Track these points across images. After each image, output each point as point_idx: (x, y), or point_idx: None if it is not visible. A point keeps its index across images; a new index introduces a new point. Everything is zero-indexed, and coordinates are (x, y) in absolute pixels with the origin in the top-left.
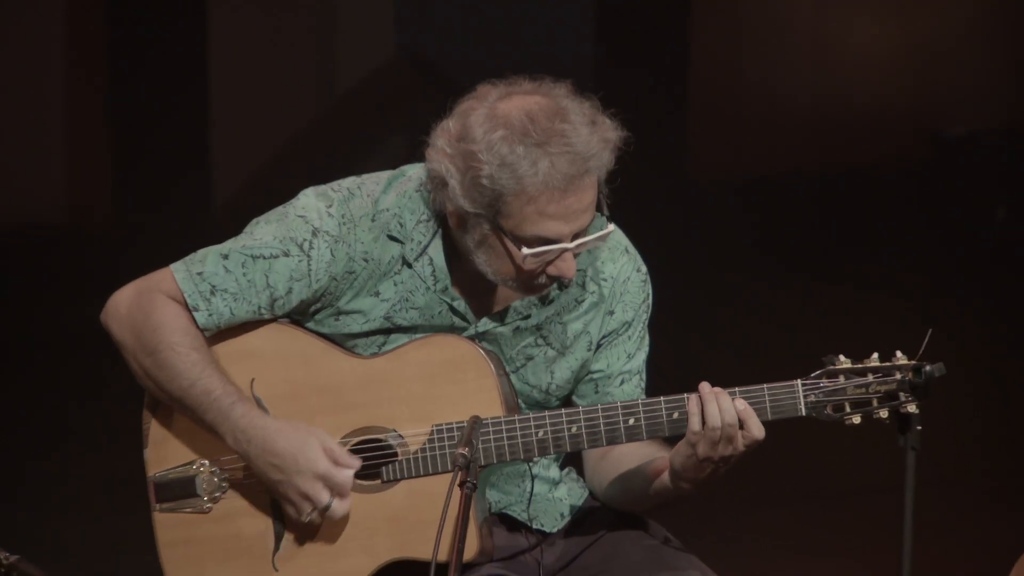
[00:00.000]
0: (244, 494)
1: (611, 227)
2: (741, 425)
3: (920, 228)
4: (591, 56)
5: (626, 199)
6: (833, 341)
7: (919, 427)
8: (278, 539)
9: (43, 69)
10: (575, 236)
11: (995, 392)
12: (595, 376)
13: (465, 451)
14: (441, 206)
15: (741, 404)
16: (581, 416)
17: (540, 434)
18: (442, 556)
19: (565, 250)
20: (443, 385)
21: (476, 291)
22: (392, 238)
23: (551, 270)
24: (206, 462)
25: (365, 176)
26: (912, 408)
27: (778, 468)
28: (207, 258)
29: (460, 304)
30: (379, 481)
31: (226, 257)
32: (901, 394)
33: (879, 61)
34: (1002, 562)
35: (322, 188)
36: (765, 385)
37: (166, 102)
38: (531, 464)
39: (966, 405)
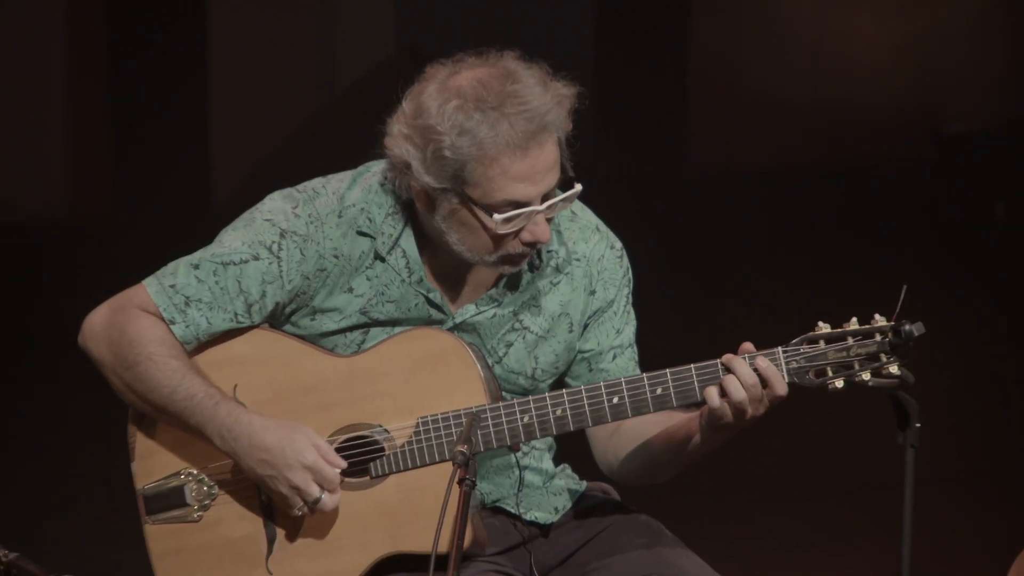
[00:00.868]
0: (234, 500)
1: (578, 187)
2: (765, 384)
3: (920, 225)
4: (591, 55)
5: (626, 196)
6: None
7: (918, 424)
8: (270, 542)
9: (43, 68)
10: (544, 199)
11: (995, 390)
12: (587, 355)
13: (464, 448)
14: (407, 191)
15: (763, 363)
16: (565, 398)
17: (525, 419)
18: (439, 551)
19: (536, 212)
20: (426, 377)
21: (450, 282)
22: (362, 233)
23: (525, 236)
24: (193, 471)
25: (330, 176)
26: (894, 369)
27: (778, 467)
28: (178, 270)
29: (436, 295)
30: (368, 477)
31: (196, 267)
32: (882, 355)
33: (879, 58)
34: (1001, 560)
35: (287, 191)
36: (746, 355)
37: (166, 101)
38: (519, 456)
39: (966, 402)
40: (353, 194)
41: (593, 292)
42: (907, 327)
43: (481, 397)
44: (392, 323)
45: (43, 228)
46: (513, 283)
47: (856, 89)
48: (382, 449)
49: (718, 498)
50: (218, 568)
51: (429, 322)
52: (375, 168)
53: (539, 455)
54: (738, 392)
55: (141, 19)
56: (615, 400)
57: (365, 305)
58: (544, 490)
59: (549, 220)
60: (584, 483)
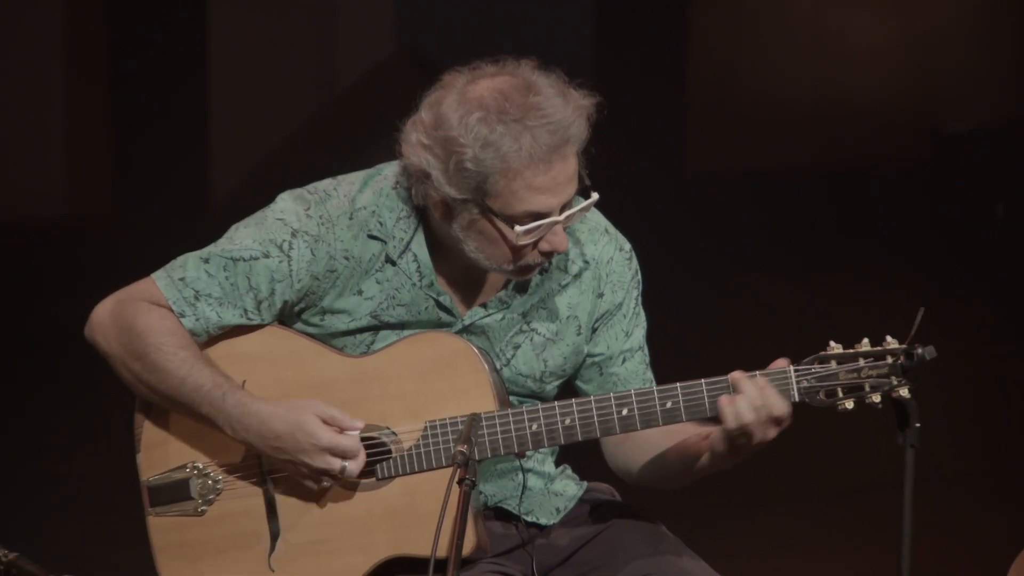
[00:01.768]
0: (238, 496)
1: (595, 196)
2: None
3: (920, 225)
4: (591, 54)
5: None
6: (833, 337)
7: (918, 424)
8: (273, 539)
9: (43, 68)
10: (563, 208)
11: (995, 389)
12: (597, 359)
13: (464, 448)
14: (423, 199)
15: (760, 387)
16: (575, 408)
17: (534, 427)
18: (440, 552)
19: (556, 223)
20: (435, 381)
21: (460, 285)
22: (372, 237)
23: (543, 246)
24: (199, 465)
25: (341, 177)
26: (904, 392)
27: (778, 467)
28: (187, 263)
29: (446, 299)
30: (374, 479)
31: (206, 261)
32: (893, 378)
33: (879, 58)
34: (1002, 560)
35: (298, 191)
36: (758, 372)
37: (166, 101)
38: (522, 460)
39: (966, 402)
40: (364, 197)
41: (601, 295)
42: (919, 351)
43: (490, 403)
44: (402, 326)
45: (43, 228)
46: (522, 286)
47: (856, 89)
48: (389, 451)
49: (718, 498)
50: (220, 563)
51: (439, 324)
52: (387, 171)
53: (541, 457)
54: (746, 414)
55: (141, 19)
56: (624, 412)
57: (376, 308)
58: (545, 491)
59: (564, 228)
60: (585, 484)
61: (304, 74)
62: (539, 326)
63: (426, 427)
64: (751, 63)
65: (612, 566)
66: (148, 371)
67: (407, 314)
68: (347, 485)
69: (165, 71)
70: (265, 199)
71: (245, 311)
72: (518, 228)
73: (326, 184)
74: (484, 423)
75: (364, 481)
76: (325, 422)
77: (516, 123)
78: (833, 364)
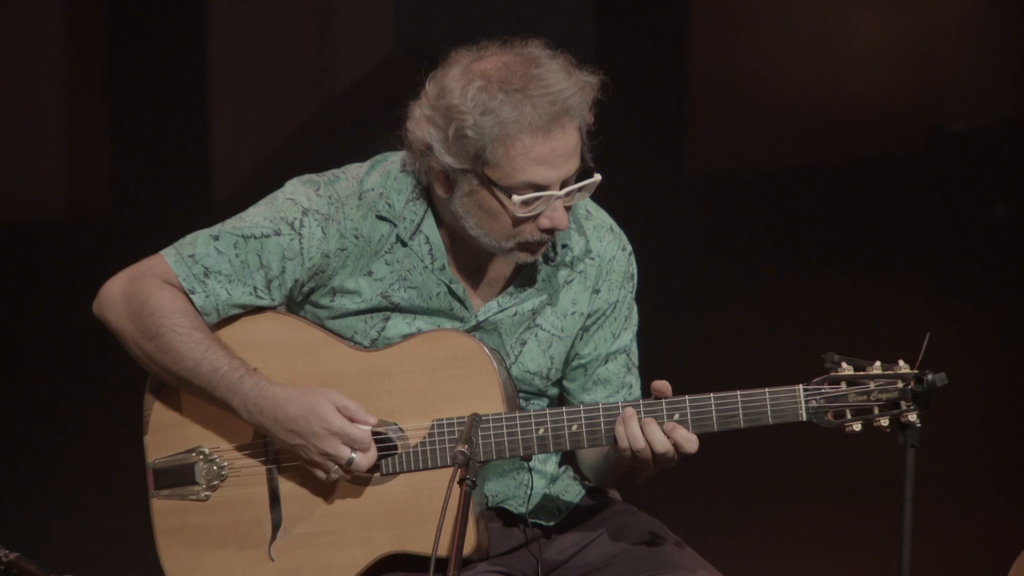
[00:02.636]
0: (242, 484)
1: (597, 176)
2: (676, 447)
3: (920, 224)
4: (590, 53)
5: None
6: (833, 336)
7: (919, 425)
8: (275, 528)
9: (43, 68)
10: (563, 185)
11: (995, 389)
12: (583, 360)
13: (464, 448)
14: (426, 175)
15: (666, 432)
16: (582, 414)
17: (540, 431)
18: (440, 551)
19: (554, 197)
20: (445, 380)
21: (470, 276)
22: (381, 218)
23: (543, 222)
24: (205, 450)
25: (346, 165)
26: (913, 418)
27: (778, 467)
28: (197, 240)
29: (459, 288)
30: (378, 474)
31: (216, 239)
32: (902, 403)
33: (879, 56)
34: (1002, 560)
35: (306, 176)
36: (767, 389)
37: (165, 100)
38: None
39: (966, 402)
40: (372, 179)
41: (597, 291)
42: (930, 377)
43: (498, 404)
44: (413, 310)
45: (43, 228)
46: (530, 278)
47: (856, 89)
48: (395, 447)
49: (719, 498)
50: (220, 549)
51: (450, 314)
52: (392, 157)
53: (543, 457)
54: (636, 440)
55: (141, 19)
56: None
57: (387, 289)
58: (548, 492)
59: (568, 209)
60: (587, 484)
61: (304, 73)
62: (544, 322)
63: (433, 425)
64: (751, 63)
65: (614, 567)
66: (161, 351)
67: (418, 297)
68: (351, 479)
69: (165, 71)
70: (264, 195)
71: (255, 289)
72: (516, 198)
73: (333, 170)
74: (491, 425)
75: (368, 476)
76: (339, 410)
77: (517, 92)
78: (843, 386)
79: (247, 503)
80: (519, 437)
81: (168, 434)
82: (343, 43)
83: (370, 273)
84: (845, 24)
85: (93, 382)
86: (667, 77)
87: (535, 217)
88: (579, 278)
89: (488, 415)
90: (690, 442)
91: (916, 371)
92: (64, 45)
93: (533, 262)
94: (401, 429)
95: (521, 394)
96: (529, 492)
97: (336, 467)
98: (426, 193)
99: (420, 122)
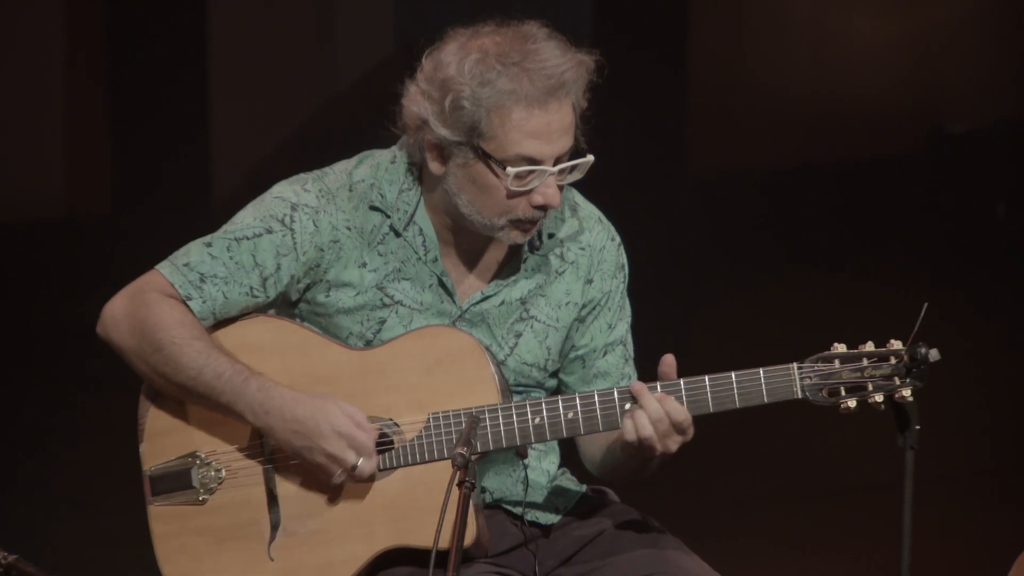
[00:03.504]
0: (239, 485)
1: (590, 157)
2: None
3: (921, 224)
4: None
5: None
6: (833, 336)
7: (918, 427)
8: (274, 528)
9: (43, 68)
10: (556, 162)
11: (995, 389)
12: (580, 352)
13: (463, 450)
14: (420, 152)
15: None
16: (578, 402)
17: (536, 420)
18: (440, 547)
19: (548, 173)
20: (440, 375)
21: (459, 267)
22: (374, 208)
23: (536, 198)
24: (201, 455)
25: (333, 164)
26: (907, 393)
27: (778, 467)
28: (191, 250)
29: (448, 280)
30: (376, 469)
31: (209, 245)
32: (896, 378)
33: (880, 57)
34: (1002, 560)
35: (292, 177)
36: (761, 369)
37: (165, 100)
38: (525, 459)
39: (966, 402)
40: (361, 171)
41: (590, 281)
42: (923, 351)
43: (494, 397)
44: (409, 304)
45: (43, 228)
46: (515, 267)
47: (856, 89)
48: (391, 442)
49: (718, 498)
50: (220, 551)
51: (440, 307)
52: (380, 151)
53: (541, 455)
54: (644, 428)
55: (141, 19)
56: (627, 407)
57: (381, 281)
58: (546, 490)
59: (561, 189)
60: (584, 485)
61: (304, 73)
62: (538, 313)
63: (429, 419)
64: (752, 63)
65: (613, 567)
66: (164, 364)
67: (412, 289)
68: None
69: (165, 70)
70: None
71: (251, 289)
72: (510, 170)
73: (320, 168)
74: (487, 416)
75: None
76: (346, 414)
77: (515, 65)
78: (836, 363)
79: (245, 504)
80: (515, 427)
81: (163, 440)
82: (343, 44)
83: (364, 264)
84: (845, 24)
85: (93, 382)
86: (667, 77)
87: (528, 193)
88: (571, 268)
89: (483, 407)
90: (678, 411)
91: (908, 347)
92: (64, 46)
93: (519, 250)
94: (397, 424)
95: (519, 387)
96: (526, 487)
97: (340, 470)
98: (417, 183)
99: (415, 97)
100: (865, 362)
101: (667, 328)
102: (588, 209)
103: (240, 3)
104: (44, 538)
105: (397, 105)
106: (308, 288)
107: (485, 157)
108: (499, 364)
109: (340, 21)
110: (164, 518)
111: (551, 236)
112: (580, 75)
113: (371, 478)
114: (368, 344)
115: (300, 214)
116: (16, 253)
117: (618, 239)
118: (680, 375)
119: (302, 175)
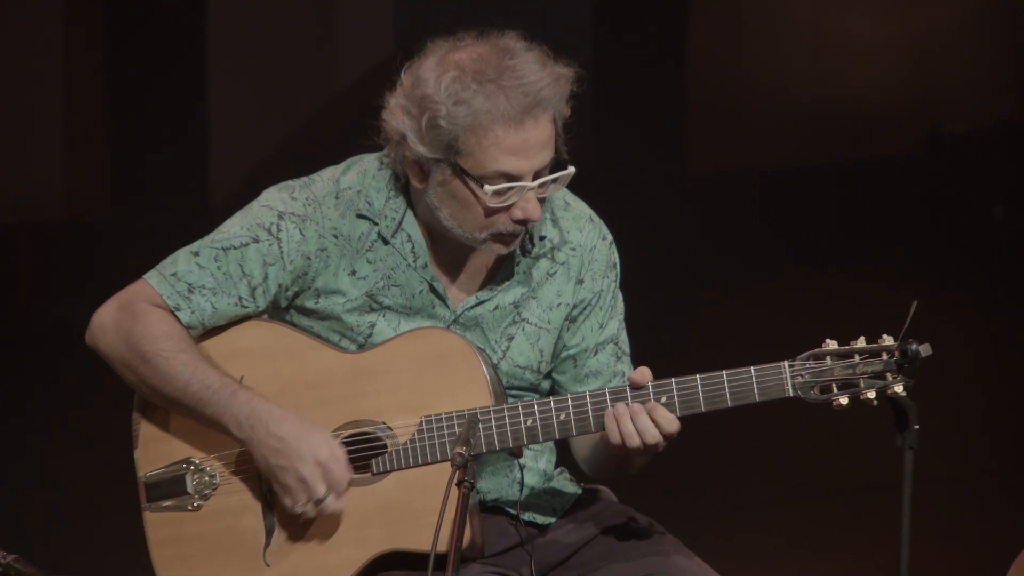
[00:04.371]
0: (234, 491)
1: (571, 169)
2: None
3: (920, 225)
4: (589, 52)
5: (625, 196)
6: (832, 336)
7: (917, 427)
8: (269, 534)
9: (41, 67)
10: (536, 176)
11: (995, 389)
12: (572, 352)
13: (463, 450)
14: (402, 165)
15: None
16: (569, 403)
17: (529, 422)
18: (439, 550)
19: (527, 188)
20: (432, 377)
21: (450, 273)
22: (361, 216)
23: (516, 213)
24: (196, 460)
25: (321, 170)
26: (899, 389)
27: (778, 467)
28: (178, 259)
29: (439, 285)
30: (369, 473)
31: (197, 254)
32: (888, 374)
33: (878, 57)
34: (1002, 560)
35: (281, 183)
36: (752, 367)
37: (164, 100)
38: (520, 459)
39: (965, 402)
40: (348, 178)
41: (581, 281)
42: (914, 347)
43: (486, 398)
44: (398, 309)
45: (42, 228)
46: (508, 271)
47: (856, 89)
48: (384, 446)
49: (718, 498)
50: (215, 557)
51: (432, 312)
52: (368, 157)
53: (537, 455)
54: (630, 437)
55: (140, 19)
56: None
57: (371, 289)
58: (543, 491)
59: (542, 201)
60: (582, 485)
61: (303, 73)
62: (530, 315)
63: (421, 422)
64: (751, 63)
65: (611, 567)
66: (151, 375)
67: (402, 296)
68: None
69: (163, 70)
70: None
71: (240, 299)
72: (488, 187)
73: (308, 176)
74: (479, 418)
75: (360, 476)
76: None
77: (491, 83)
78: (828, 360)
79: (240, 510)
80: (508, 429)
81: (158, 447)
82: (342, 45)
83: (353, 272)
84: (845, 25)
85: (92, 382)
86: (667, 77)
87: (508, 208)
88: (562, 269)
89: (476, 408)
90: (670, 422)
91: (899, 343)
92: (62, 45)
93: (511, 255)
94: (390, 427)
95: (513, 391)
96: (521, 488)
97: (306, 499)
98: (405, 190)
99: (395, 112)
100: (857, 359)
101: (666, 328)
102: (579, 208)
103: (239, 3)
104: (44, 538)
105: (379, 119)
106: (297, 295)
107: (463, 174)
108: (494, 366)
109: (339, 22)
110: (159, 524)
111: (542, 239)
112: (558, 90)
113: (364, 470)
114: (360, 348)
115: (287, 223)
116: (15, 254)
117: (610, 237)
118: (679, 375)
119: (290, 182)
